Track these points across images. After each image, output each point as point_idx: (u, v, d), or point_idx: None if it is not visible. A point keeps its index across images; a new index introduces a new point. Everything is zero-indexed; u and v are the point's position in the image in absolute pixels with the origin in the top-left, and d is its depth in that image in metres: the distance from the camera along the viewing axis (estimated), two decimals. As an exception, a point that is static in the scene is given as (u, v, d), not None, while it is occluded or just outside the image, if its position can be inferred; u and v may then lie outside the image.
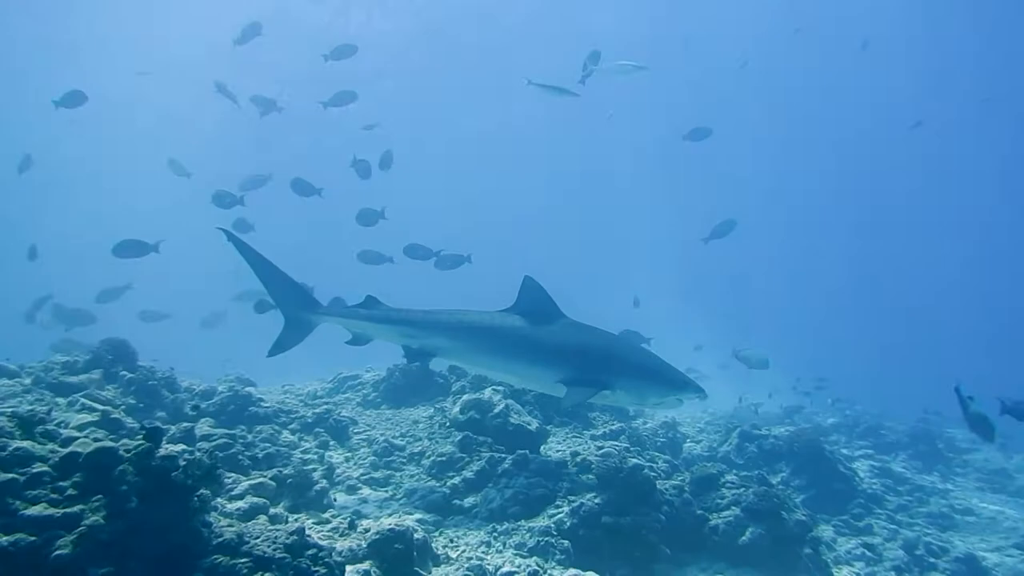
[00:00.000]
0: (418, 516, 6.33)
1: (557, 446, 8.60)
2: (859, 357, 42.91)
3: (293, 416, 8.17)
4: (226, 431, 6.63)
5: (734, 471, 8.28)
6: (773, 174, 58.09)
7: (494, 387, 8.71)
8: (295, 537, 4.03)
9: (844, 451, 12.97)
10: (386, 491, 7.08)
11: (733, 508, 6.47)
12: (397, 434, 8.50)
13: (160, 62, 38.61)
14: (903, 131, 27.13)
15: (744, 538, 6.15)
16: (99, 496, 3.53)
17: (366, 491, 7.03)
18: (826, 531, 8.25)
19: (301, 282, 7.30)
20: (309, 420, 8.17)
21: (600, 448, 8.15)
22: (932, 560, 8.13)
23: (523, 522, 6.25)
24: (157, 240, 11.19)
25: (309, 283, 11.39)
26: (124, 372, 7.47)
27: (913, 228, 59.16)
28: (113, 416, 6.08)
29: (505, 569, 5.08)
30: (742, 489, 6.74)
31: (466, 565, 5.11)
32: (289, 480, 5.95)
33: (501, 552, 5.68)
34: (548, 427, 8.93)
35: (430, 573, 5.00)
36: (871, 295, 60.57)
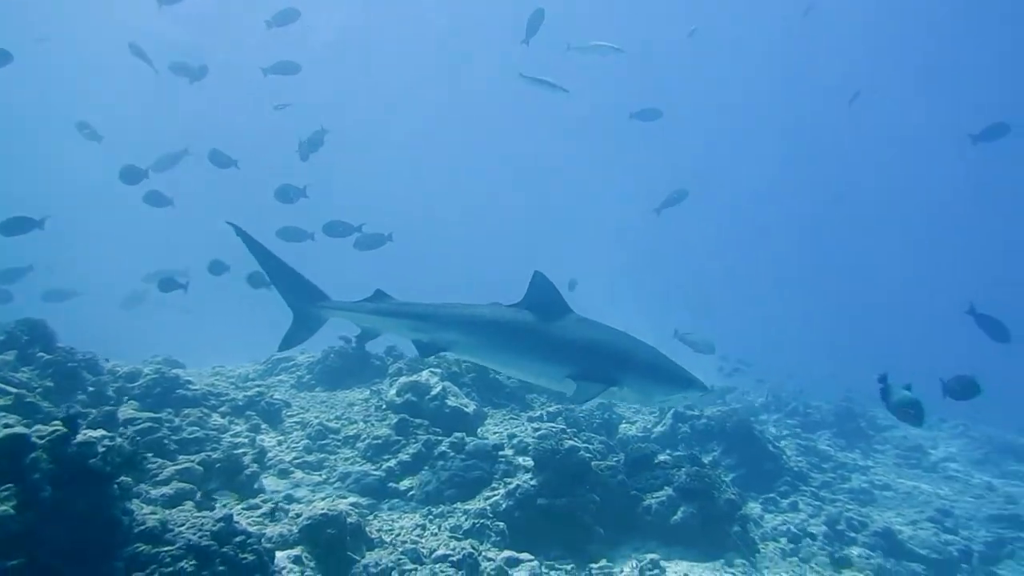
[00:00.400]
0: (352, 500, 6.25)
1: (495, 428, 8.61)
2: (800, 338, 44.05)
3: (223, 399, 7.93)
4: (151, 415, 6.38)
5: (668, 451, 8.46)
6: (720, 151, 57.92)
7: (431, 369, 8.65)
8: (222, 524, 3.92)
9: (772, 430, 13.39)
10: (320, 475, 6.96)
11: (666, 488, 6.58)
12: (332, 417, 8.35)
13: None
14: (856, 105, 26.81)
15: (676, 517, 6.27)
16: (9, 485, 3.33)
17: (299, 475, 6.89)
18: (754, 508, 8.50)
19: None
20: (240, 403, 7.95)
21: (537, 430, 8.23)
22: (852, 535, 8.46)
23: (459, 505, 6.25)
24: (43, 216, 10.63)
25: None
26: (41, 353, 7.10)
27: (863, 209, 59.34)
28: (28, 400, 5.79)
29: (440, 552, 5.06)
30: (675, 469, 6.86)
31: (400, 549, 5.07)
32: (218, 465, 5.78)
33: (436, 535, 5.65)
34: (486, 409, 8.93)
35: (364, 557, 4.93)
36: (813, 277, 61.48)
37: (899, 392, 6.29)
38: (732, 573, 5.72)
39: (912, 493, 11.12)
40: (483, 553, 5.31)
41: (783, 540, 7.85)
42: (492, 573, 5.03)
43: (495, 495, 6.22)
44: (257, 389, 8.55)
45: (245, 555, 3.89)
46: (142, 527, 3.67)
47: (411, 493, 6.60)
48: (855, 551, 7.92)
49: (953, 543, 8.84)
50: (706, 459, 9.14)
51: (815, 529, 8.22)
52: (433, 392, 8.07)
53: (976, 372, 7.76)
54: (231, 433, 7.04)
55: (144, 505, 4.22)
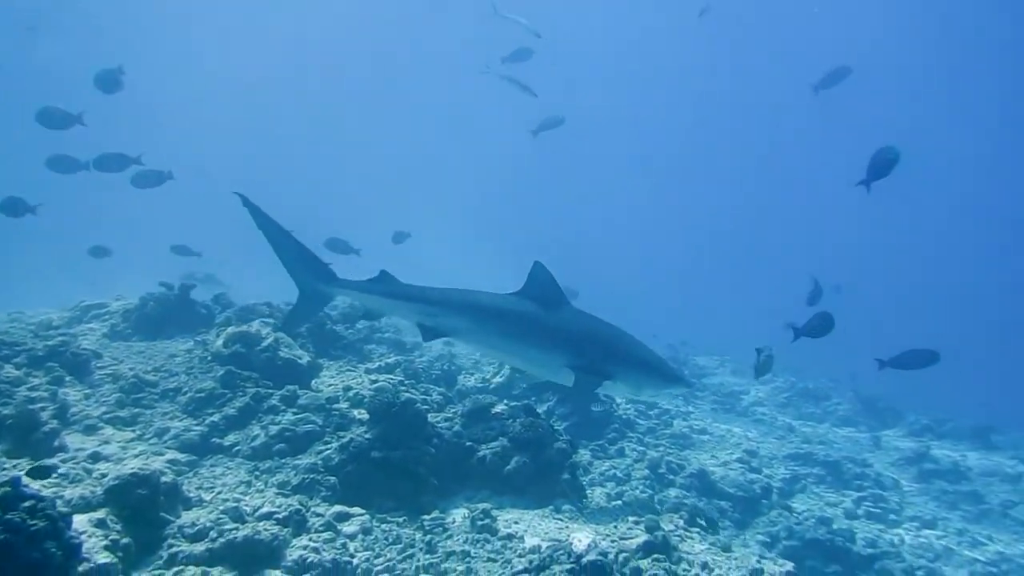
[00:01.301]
0: (170, 457, 5.84)
1: (330, 380, 8.33)
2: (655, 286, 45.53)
3: (19, 348, 7.08)
4: (-75, 367, 5.59)
5: (505, 402, 8.59)
6: (594, 78, 57.02)
7: (263, 319, 8.22)
8: (7, 488, 3.47)
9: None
10: (133, 431, 6.42)
11: (501, 439, 6.67)
12: (149, 369, 7.72)
13: None
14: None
15: (509, 467, 6.38)
16: None
17: (108, 431, 6.31)
18: (584, 456, 8.86)
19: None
20: (40, 353, 7.12)
21: (374, 382, 8.06)
22: (672, 477, 9.07)
23: (289, 460, 6.01)
24: None
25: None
26: None
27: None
28: None
29: (264, 510, 4.82)
30: (510, 420, 6.97)
31: (221, 507, 4.77)
32: (9, 421, 5.19)
33: (262, 492, 5.40)
34: (321, 361, 8.63)
35: (180, 518, 4.61)
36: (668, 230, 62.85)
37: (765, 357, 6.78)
38: (559, 519, 5.91)
39: (725, 436, 12.08)
40: (312, 509, 5.13)
41: (610, 485, 8.27)
42: (320, 529, 4.88)
43: (327, 449, 6.03)
44: (61, 338, 7.71)
45: (35, 521, 3.47)
46: (-99, 496, 3.18)
47: (237, 449, 6.26)
48: (673, 492, 8.50)
49: (757, 481, 9.72)
50: (541, 409, 9.40)
51: (639, 474, 8.72)
52: (264, 343, 7.66)
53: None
54: (28, 387, 6.30)
55: (-93, 470, 3.68)
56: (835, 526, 9.07)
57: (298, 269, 6.95)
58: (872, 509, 10.31)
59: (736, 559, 5.47)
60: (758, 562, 5.39)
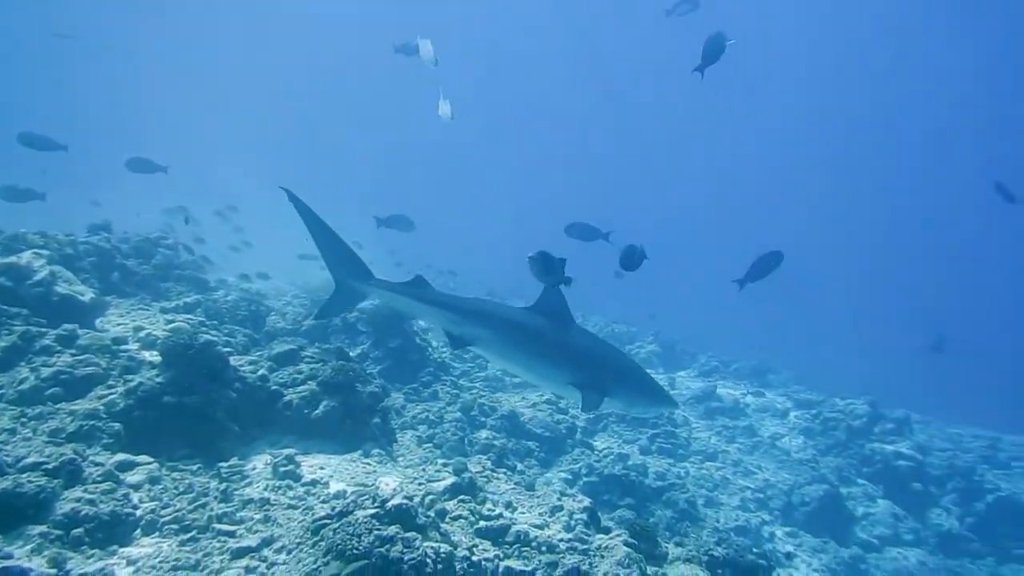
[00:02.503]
0: (-89, 404, 5.04)
1: (119, 320, 7.61)
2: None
3: None
4: None
5: (316, 344, 8.29)
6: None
7: (36, 250, 7.29)
8: None
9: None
10: None
11: (310, 383, 6.44)
12: None
13: None
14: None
15: (317, 412, 6.18)
16: None
17: None
18: (398, 399, 8.81)
19: None
20: None
21: (170, 322, 7.47)
22: (483, 419, 9.27)
23: (64, 405, 5.40)
24: None
25: None
26: None
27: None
28: None
29: (30, 460, 4.29)
30: (320, 364, 6.74)
31: (-25, 460, 4.20)
32: None
33: (29, 440, 4.80)
34: (109, 298, 7.86)
35: (-80, 473, 4.00)
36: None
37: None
38: (368, 463, 5.83)
39: (536, 380, 12.53)
40: (90, 458, 4.66)
41: (422, 428, 8.28)
42: (99, 479, 4.43)
43: (111, 394, 5.48)
44: None
45: None
46: None
47: (0, 393, 5.53)
48: (484, 434, 8.68)
49: (563, 422, 10.18)
50: (354, 352, 9.20)
51: (451, 416, 8.81)
52: (37, 276, 6.78)
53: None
54: None
55: None
56: (631, 462, 9.76)
57: (336, 265, 7.10)
58: (664, 445, 11.20)
59: (539, 497, 5.70)
60: (558, 499, 5.64)
